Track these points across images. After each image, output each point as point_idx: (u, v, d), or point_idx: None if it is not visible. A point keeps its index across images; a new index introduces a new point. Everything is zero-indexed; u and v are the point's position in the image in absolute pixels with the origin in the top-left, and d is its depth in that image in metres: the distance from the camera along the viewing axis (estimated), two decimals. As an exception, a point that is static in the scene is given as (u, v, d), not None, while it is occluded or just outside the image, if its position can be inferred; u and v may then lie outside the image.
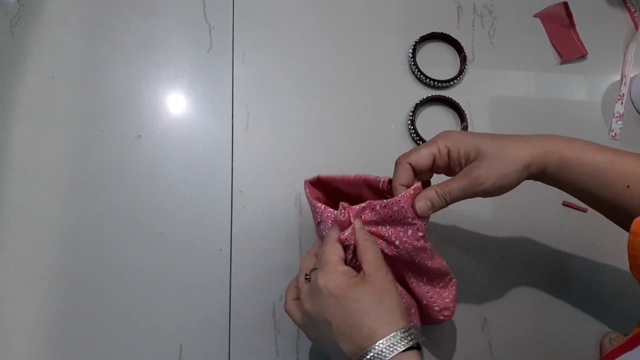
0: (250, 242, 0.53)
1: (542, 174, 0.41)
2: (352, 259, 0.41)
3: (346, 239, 0.40)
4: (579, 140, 0.41)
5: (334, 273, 0.37)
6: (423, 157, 0.40)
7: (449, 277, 0.45)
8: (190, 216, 0.53)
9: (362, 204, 0.41)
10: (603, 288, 0.56)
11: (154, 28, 0.60)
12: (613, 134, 0.62)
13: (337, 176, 0.44)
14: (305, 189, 0.44)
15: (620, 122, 0.63)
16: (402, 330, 0.35)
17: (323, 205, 0.42)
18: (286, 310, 0.41)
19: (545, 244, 0.56)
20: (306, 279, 0.40)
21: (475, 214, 0.56)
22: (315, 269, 0.39)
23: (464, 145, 0.39)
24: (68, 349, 0.49)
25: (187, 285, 0.51)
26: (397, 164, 0.41)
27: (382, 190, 0.42)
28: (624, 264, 0.57)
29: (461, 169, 0.40)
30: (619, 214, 0.41)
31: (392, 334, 0.34)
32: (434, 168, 0.41)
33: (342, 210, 0.41)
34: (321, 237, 0.43)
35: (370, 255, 0.38)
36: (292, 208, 0.55)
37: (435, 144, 0.40)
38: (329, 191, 0.46)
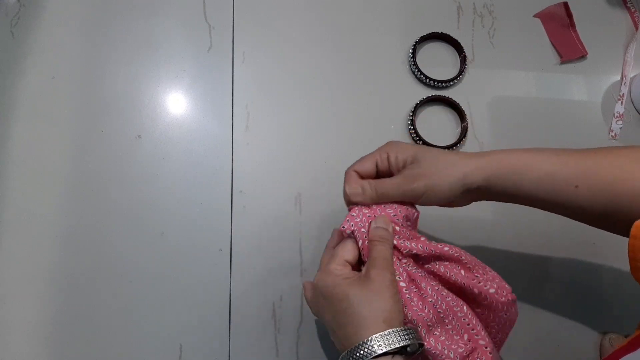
0: (250, 242, 0.53)
1: (487, 187, 0.40)
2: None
3: (344, 227, 0.40)
4: (525, 149, 0.41)
5: (331, 274, 0.38)
6: (365, 163, 0.42)
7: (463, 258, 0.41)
8: (190, 216, 0.53)
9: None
10: (603, 288, 0.56)
11: (154, 28, 0.60)
12: (613, 134, 0.62)
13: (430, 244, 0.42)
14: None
15: (620, 122, 0.63)
16: (384, 333, 0.34)
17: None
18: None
19: (545, 244, 0.56)
20: None
21: (475, 214, 0.56)
22: None
23: (402, 152, 0.41)
24: (68, 349, 0.49)
25: (187, 285, 0.51)
26: (345, 174, 0.43)
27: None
28: (624, 265, 0.57)
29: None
30: (577, 214, 0.40)
31: (373, 336, 0.34)
32: (378, 173, 0.43)
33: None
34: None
35: (373, 253, 0.38)
36: (292, 208, 0.55)
37: (378, 151, 0.43)
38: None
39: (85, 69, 0.57)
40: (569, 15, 0.66)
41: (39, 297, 0.50)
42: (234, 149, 0.56)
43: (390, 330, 0.34)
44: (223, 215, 0.54)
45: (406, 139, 0.59)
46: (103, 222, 0.52)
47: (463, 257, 0.40)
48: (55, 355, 0.48)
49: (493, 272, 0.40)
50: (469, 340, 0.38)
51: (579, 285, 0.55)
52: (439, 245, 0.40)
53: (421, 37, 0.62)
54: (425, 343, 0.37)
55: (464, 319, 0.38)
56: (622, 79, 0.65)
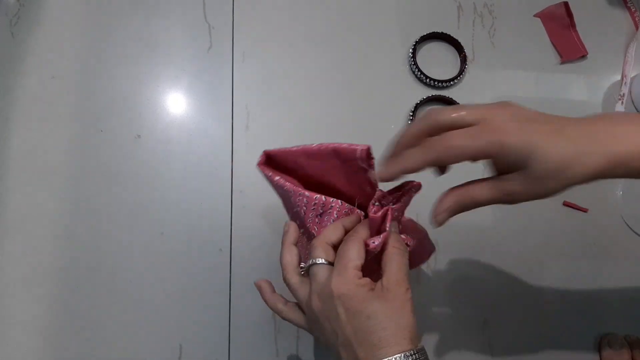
0: (250, 242, 0.53)
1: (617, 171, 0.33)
2: (372, 260, 0.37)
3: (375, 248, 0.35)
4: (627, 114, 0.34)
5: (351, 284, 0.34)
6: (451, 155, 0.33)
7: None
8: (190, 216, 0.53)
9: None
10: (603, 288, 0.56)
11: (154, 28, 0.60)
12: (613, 134, 0.62)
13: (294, 148, 0.38)
14: (266, 173, 0.39)
15: (621, 122, 0.63)
16: (408, 353, 0.33)
17: (323, 197, 0.38)
18: (285, 318, 0.40)
19: (545, 244, 0.56)
20: (302, 273, 0.38)
21: (475, 214, 0.56)
22: (310, 264, 0.36)
23: (512, 154, 0.33)
24: (68, 349, 0.49)
25: (187, 285, 0.51)
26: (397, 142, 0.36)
27: (358, 160, 0.35)
28: (624, 264, 0.57)
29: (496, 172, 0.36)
30: None
31: (395, 356, 0.32)
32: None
33: (374, 207, 0.37)
34: (313, 228, 0.39)
35: (394, 266, 0.35)
36: (292, 208, 0.55)
37: (475, 142, 0.33)
38: (285, 170, 0.41)
39: (85, 69, 0.57)
40: (569, 15, 0.66)
41: (39, 297, 0.50)
42: (234, 149, 0.56)
43: (416, 348, 0.33)
44: (223, 215, 0.54)
45: (406, 139, 0.59)
46: (103, 222, 0.52)
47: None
48: (55, 355, 0.48)
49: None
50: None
51: (578, 285, 0.55)
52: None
53: (421, 37, 0.62)
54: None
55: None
56: (622, 78, 0.65)
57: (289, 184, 0.39)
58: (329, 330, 0.35)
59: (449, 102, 0.60)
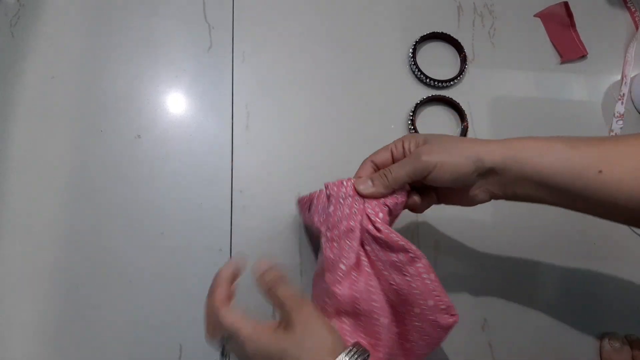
0: (250, 242, 0.53)
1: (502, 169, 0.38)
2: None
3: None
4: (542, 137, 0.39)
5: (253, 334, 0.35)
6: (381, 152, 0.43)
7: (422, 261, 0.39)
8: (190, 216, 0.53)
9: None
10: (603, 288, 0.56)
11: (154, 28, 0.60)
12: (613, 134, 0.62)
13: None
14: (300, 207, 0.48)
15: (621, 122, 0.63)
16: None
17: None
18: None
19: (545, 244, 0.56)
20: (225, 343, 0.37)
21: (475, 214, 0.56)
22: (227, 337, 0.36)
23: (416, 137, 0.41)
24: (68, 349, 0.49)
25: (187, 285, 0.51)
26: (362, 164, 0.43)
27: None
28: (624, 264, 0.57)
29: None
30: (602, 207, 0.37)
31: None
32: (393, 161, 0.42)
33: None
34: (321, 223, 0.42)
35: (280, 299, 0.36)
36: (292, 208, 0.55)
37: (394, 142, 0.43)
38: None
39: (85, 69, 0.57)
40: (569, 15, 0.66)
41: (39, 297, 0.50)
42: (234, 149, 0.56)
43: (349, 348, 0.33)
44: (223, 215, 0.54)
45: (406, 138, 0.59)
46: (103, 222, 0.52)
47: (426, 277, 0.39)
48: (55, 355, 0.48)
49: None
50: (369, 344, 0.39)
51: (578, 285, 0.55)
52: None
53: (421, 37, 0.62)
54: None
55: (376, 327, 0.39)
56: (622, 78, 0.65)
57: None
58: None
59: (449, 102, 0.60)
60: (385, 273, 0.40)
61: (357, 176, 0.42)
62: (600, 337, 0.53)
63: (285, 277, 0.37)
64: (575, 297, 0.55)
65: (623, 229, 0.58)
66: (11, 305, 0.49)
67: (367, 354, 0.34)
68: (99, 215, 0.53)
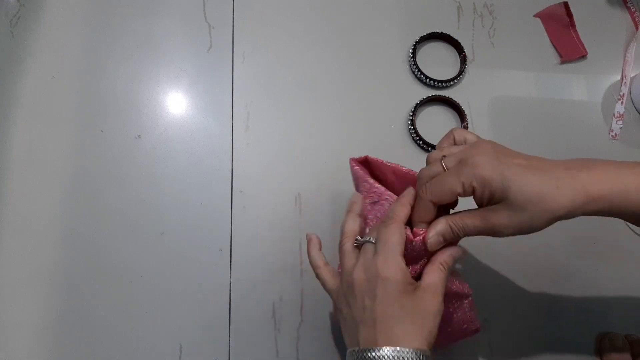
0: (250, 242, 0.53)
1: (608, 211, 0.36)
2: (417, 260, 0.40)
3: (413, 241, 0.38)
4: (623, 163, 0.37)
5: (397, 271, 0.36)
6: (445, 195, 0.37)
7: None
8: (190, 216, 0.53)
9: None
10: (603, 288, 0.56)
11: (154, 28, 0.60)
12: (613, 134, 0.62)
13: (388, 163, 0.45)
14: (351, 164, 0.46)
15: (621, 122, 0.63)
16: (422, 352, 0.35)
17: (382, 187, 0.43)
18: (319, 276, 0.43)
19: (545, 244, 0.56)
20: (355, 245, 0.40)
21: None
22: (365, 240, 0.39)
23: (489, 186, 0.35)
24: (68, 349, 0.49)
25: (187, 285, 0.51)
26: (418, 198, 0.39)
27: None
28: (624, 264, 0.57)
29: (483, 206, 0.38)
30: None
31: (411, 350, 0.34)
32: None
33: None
34: (370, 216, 0.43)
35: (436, 278, 0.37)
36: (292, 208, 0.55)
37: (460, 180, 0.36)
38: (373, 175, 0.46)
39: (85, 69, 0.57)
40: (569, 15, 0.66)
41: (39, 297, 0.50)
42: (234, 149, 0.56)
43: (427, 351, 0.35)
44: (223, 215, 0.54)
45: (406, 139, 0.59)
46: (103, 222, 0.52)
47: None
48: (55, 355, 0.48)
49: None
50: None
51: (578, 284, 0.55)
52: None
53: (421, 37, 0.62)
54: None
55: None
56: (622, 78, 0.65)
57: (360, 172, 0.45)
58: (359, 304, 0.37)
59: (449, 102, 0.60)
60: None
61: (419, 220, 0.39)
62: (600, 337, 0.53)
63: (447, 274, 0.39)
64: (575, 297, 0.55)
65: (623, 229, 0.58)
66: (11, 305, 0.49)
67: None
68: (99, 215, 0.53)
